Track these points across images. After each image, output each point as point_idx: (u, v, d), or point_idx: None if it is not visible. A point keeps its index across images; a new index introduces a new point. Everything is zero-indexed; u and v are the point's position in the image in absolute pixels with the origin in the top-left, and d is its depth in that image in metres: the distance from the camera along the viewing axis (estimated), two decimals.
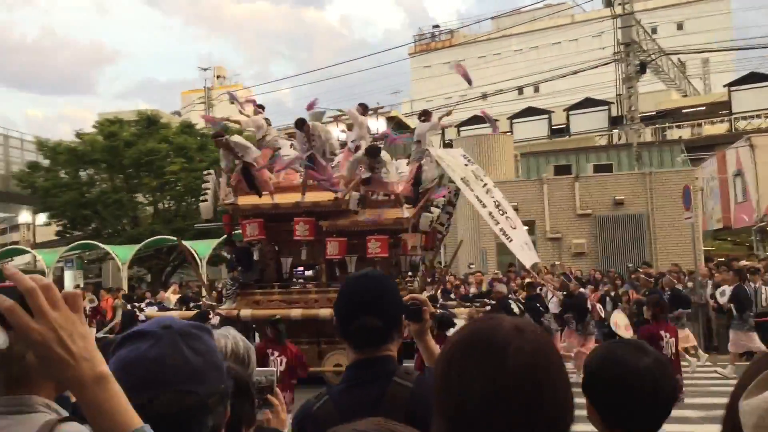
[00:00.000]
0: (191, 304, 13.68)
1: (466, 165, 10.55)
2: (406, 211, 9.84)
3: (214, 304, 11.52)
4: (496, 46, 55.68)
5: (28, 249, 28.69)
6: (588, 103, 41.08)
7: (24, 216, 32.23)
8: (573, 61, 38.39)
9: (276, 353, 7.29)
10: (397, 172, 10.69)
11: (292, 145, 11.50)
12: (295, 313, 9.34)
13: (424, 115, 11.44)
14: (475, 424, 1.00)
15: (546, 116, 42.14)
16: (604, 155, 31.02)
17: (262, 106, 12.93)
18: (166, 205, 30.33)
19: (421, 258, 11.63)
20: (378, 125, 21.76)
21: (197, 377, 1.24)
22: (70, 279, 29.08)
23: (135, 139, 28.52)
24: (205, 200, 11.17)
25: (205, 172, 12.40)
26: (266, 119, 11.99)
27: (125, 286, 23.24)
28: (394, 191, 10.10)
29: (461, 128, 40.33)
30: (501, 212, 10.36)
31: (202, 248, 24.27)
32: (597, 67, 33.31)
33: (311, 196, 10.33)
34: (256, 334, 9.91)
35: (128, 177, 29.31)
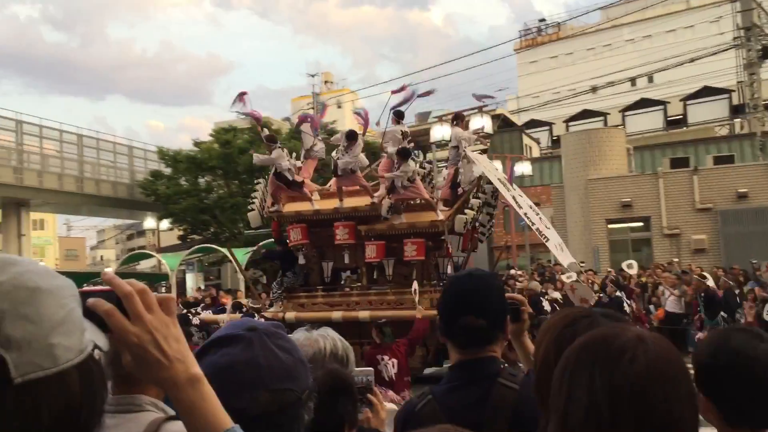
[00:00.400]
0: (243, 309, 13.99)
1: (497, 169, 10.64)
2: (441, 214, 9.89)
3: (258, 307, 11.78)
4: (606, 37, 53.86)
5: (153, 253, 30.28)
6: (706, 92, 39.02)
7: (149, 222, 34.06)
8: (689, 49, 36.55)
9: (386, 357, 7.34)
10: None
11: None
12: (336, 315, 9.41)
13: (457, 119, 11.49)
14: (587, 429, 0.99)
15: (661, 107, 40.36)
16: (725, 146, 29.39)
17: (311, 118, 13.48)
18: None
19: (464, 260, 11.56)
20: (483, 123, 21.52)
21: (290, 375, 1.27)
22: (191, 281, 30.54)
23: (248, 146, 29.57)
24: (252, 209, 11.53)
25: (255, 182, 12.84)
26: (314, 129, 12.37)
27: (242, 288, 24.12)
28: (422, 196, 10.19)
29: (570, 123, 39.28)
30: (535, 213, 10.30)
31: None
32: (715, 53, 31.56)
33: (350, 202, 10.54)
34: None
35: (243, 182, 30.40)
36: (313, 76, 50.79)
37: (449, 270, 10.45)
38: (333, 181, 11.12)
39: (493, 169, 10.31)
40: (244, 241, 28.73)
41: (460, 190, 10.62)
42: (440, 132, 22.20)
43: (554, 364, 1.44)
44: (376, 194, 10.57)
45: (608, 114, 41.06)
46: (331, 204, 10.74)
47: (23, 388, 0.72)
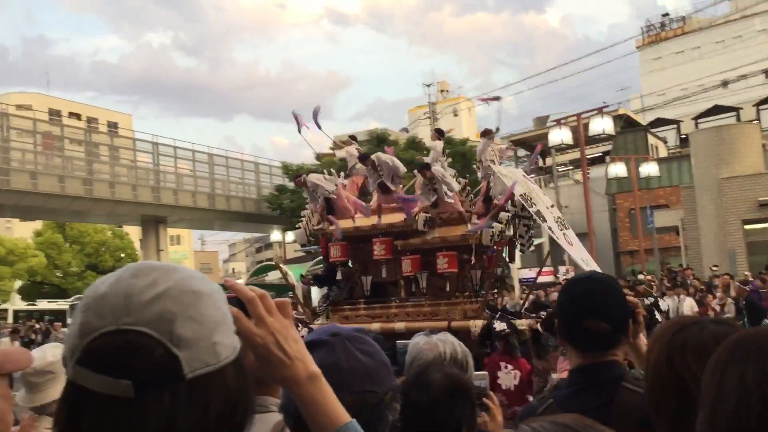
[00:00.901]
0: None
1: (526, 182, 10.76)
2: (470, 227, 10.11)
3: (305, 319, 12.21)
4: (735, 29, 50.85)
5: (281, 265, 31.36)
6: None
7: (275, 235, 35.37)
8: None
9: (510, 366, 7.27)
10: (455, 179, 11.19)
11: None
12: (375, 326, 9.55)
13: (485, 134, 11.68)
14: (735, 422, 0.98)
15: None
16: None
17: (354, 137, 13.38)
18: None
19: (503, 271, 11.28)
20: (604, 125, 20.86)
21: (372, 377, 1.32)
22: (315, 292, 31.40)
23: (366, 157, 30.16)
24: (299, 227, 12.04)
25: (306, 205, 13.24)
26: (357, 149, 12.30)
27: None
28: (458, 210, 10.44)
29: (699, 120, 37.34)
30: (559, 229, 10.39)
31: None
32: None
33: (387, 219, 10.94)
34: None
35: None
36: (428, 86, 51.08)
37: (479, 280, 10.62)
38: (374, 199, 11.59)
39: (520, 183, 10.35)
40: None
41: (494, 204, 10.69)
42: (559, 136, 21.73)
43: (666, 370, 1.42)
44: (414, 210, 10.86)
45: (741, 109, 38.69)
46: (371, 221, 11.20)
47: (193, 383, 0.78)
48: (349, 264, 11.62)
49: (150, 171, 32.36)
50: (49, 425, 2.56)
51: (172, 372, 0.77)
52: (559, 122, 22.83)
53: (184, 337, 0.78)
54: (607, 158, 35.37)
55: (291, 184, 33.41)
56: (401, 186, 11.37)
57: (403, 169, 11.38)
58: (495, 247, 11.78)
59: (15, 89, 59.37)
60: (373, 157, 11.21)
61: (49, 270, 44.62)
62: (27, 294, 45.70)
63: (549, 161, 39.10)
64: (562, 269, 27.77)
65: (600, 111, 21.46)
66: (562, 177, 38.36)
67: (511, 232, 10.88)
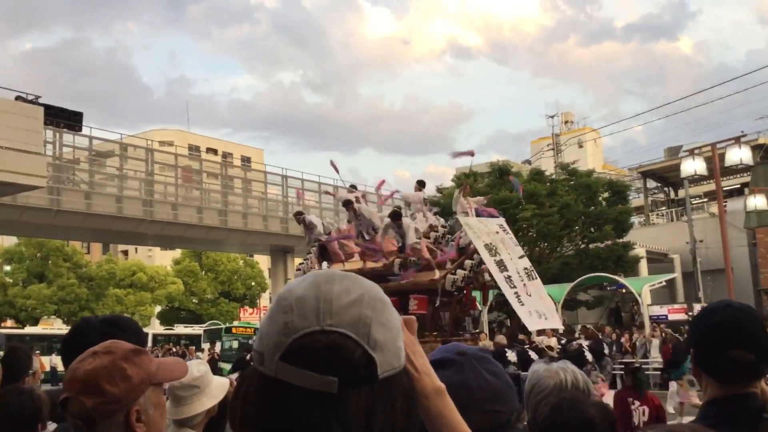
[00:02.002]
0: None
1: (497, 233, 11.75)
2: (438, 273, 11.18)
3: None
4: None
5: None
6: None
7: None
8: None
9: (637, 402, 7.04)
10: (426, 222, 12.43)
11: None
12: None
13: (461, 187, 13.11)
14: None
15: None
16: None
17: (354, 186, 15.36)
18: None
19: (478, 313, 11.50)
20: (741, 155, 19.76)
21: (499, 397, 1.34)
22: None
23: (488, 190, 29.99)
24: (299, 270, 13.47)
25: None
26: (356, 198, 13.39)
27: (486, 330, 24.33)
28: (425, 257, 11.45)
29: None
30: (520, 279, 11.14)
31: (556, 293, 24.42)
32: None
33: (371, 263, 12.20)
34: None
35: None
36: (552, 117, 50.39)
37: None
38: (357, 247, 12.82)
39: (487, 233, 11.46)
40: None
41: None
42: (692, 166, 20.81)
43: None
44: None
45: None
46: (356, 265, 12.49)
47: (383, 383, 0.86)
48: None
49: (279, 203, 33.72)
50: None
51: (369, 372, 0.84)
52: (692, 152, 21.84)
53: (378, 340, 0.86)
54: (746, 190, 33.35)
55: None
56: (376, 235, 12.43)
57: (378, 223, 12.33)
58: (464, 292, 11.95)
59: (158, 126, 63.75)
60: (355, 206, 12.42)
61: (186, 296, 47.15)
62: (165, 319, 48.49)
63: (681, 193, 37.34)
64: (696, 306, 26.31)
65: (737, 140, 20.36)
66: (696, 210, 36.49)
67: (486, 278, 11.76)
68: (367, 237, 12.41)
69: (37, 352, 23.53)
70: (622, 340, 20.10)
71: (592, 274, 25.67)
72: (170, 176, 30.16)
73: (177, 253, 48.38)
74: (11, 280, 42.13)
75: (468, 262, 11.61)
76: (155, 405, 1.57)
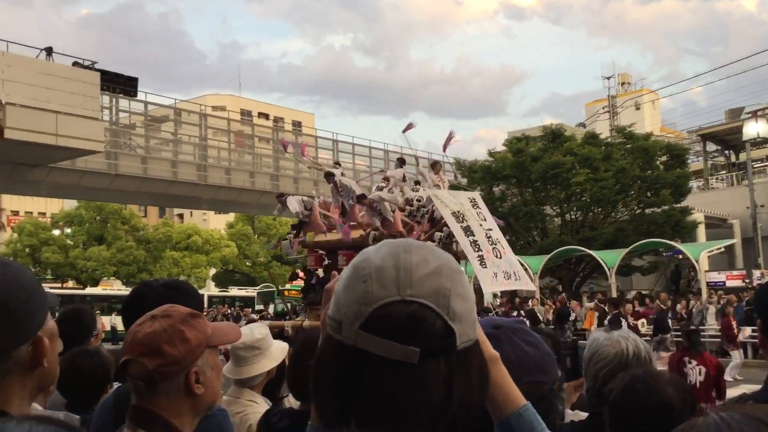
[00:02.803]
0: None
1: (469, 203, 12.41)
2: None
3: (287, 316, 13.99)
4: None
5: None
6: None
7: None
8: None
9: (694, 362, 6.95)
10: (403, 196, 13.20)
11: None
12: None
13: (432, 167, 14.21)
14: None
15: None
16: None
17: (338, 163, 16.01)
18: (573, 216, 30.75)
19: None
20: (759, 128, 19.05)
21: (540, 368, 1.32)
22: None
23: (541, 154, 29.55)
24: (285, 239, 14.46)
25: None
26: (343, 173, 14.26)
27: (537, 296, 24.20)
28: (398, 230, 12.31)
29: None
30: (490, 242, 11.76)
31: (610, 258, 24.06)
32: None
33: (352, 234, 13.00)
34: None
35: (536, 190, 30.45)
36: (608, 78, 49.18)
37: None
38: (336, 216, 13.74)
39: (455, 203, 12.20)
40: (538, 248, 28.78)
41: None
42: (754, 129, 20.09)
43: None
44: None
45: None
46: (338, 236, 13.47)
47: (461, 354, 0.87)
48: (321, 271, 13.85)
49: (330, 167, 33.89)
50: (251, 397, 2.83)
51: (449, 343, 0.85)
52: (755, 114, 21.14)
53: (457, 311, 0.86)
54: None
55: (464, 181, 33.63)
56: (356, 205, 13.33)
57: (358, 191, 13.20)
58: None
59: (211, 91, 64.49)
60: (336, 178, 13.29)
61: (239, 259, 48.11)
62: (220, 281, 49.63)
63: (742, 156, 36.16)
64: (756, 273, 25.63)
65: (755, 114, 19.56)
66: (757, 173, 35.31)
67: (458, 249, 12.18)
68: (347, 208, 13.33)
69: (98, 312, 24.39)
70: (678, 307, 19.73)
71: (648, 240, 25.20)
72: (223, 141, 30.56)
73: (230, 216, 49.24)
74: (72, 243, 43.57)
75: (438, 234, 12.38)
76: (212, 367, 1.60)
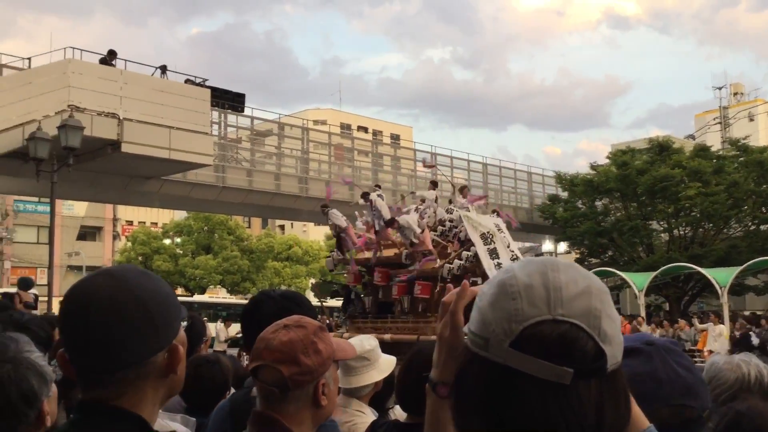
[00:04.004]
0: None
1: (495, 227, 13.01)
2: (439, 262, 12.70)
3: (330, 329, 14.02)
4: None
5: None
6: None
7: (546, 245, 34.99)
8: None
9: None
10: (436, 217, 14.12)
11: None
12: (386, 336, 11.79)
13: (462, 191, 15.06)
14: None
15: None
16: None
17: (378, 185, 16.62)
18: (682, 232, 29.49)
19: None
20: None
21: (690, 391, 1.27)
22: None
23: (647, 167, 28.56)
24: (329, 257, 15.42)
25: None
26: (379, 195, 14.60)
27: (643, 313, 23.32)
28: (428, 248, 12.98)
29: None
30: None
31: (722, 276, 22.90)
32: None
33: (387, 253, 13.89)
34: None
35: (642, 204, 29.44)
36: (719, 88, 47.06)
37: None
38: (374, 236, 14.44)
39: (485, 227, 12.89)
40: (643, 265, 27.74)
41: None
42: None
43: None
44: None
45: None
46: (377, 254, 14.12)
47: (610, 376, 0.86)
48: (359, 287, 14.52)
49: (428, 180, 33.93)
50: (359, 407, 2.87)
51: (600, 365, 0.83)
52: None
53: (607, 333, 0.85)
54: None
55: (564, 194, 32.90)
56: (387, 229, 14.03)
57: (387, 216, 13.83)
58: (461, 280, 11.92)
59: (312, 106, 66.03)
60: (371, 197, 14.02)
61: (345, 270, 48.77)
62: (319, 291, 50.52)
63: None
64: None
65: None
66: None
67: (488, 265, 12.59)
68: (377, 228, 14.12)
69: (205, 318, 25.32)
70: None
71: (763, 258, 23.82)
72: (324, 154, 31.18)
73: (328, 228, 50.03)
74: (181, 252, 45.50)
75: (465, 254, 12.91)
76: (334, 380, 1.65)
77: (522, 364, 0.82)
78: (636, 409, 1.04)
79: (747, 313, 24.68)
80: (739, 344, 14.91)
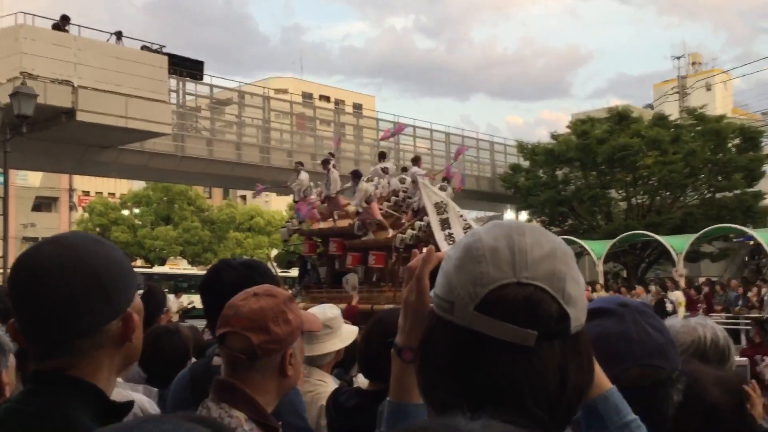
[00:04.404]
0: None
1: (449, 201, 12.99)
2: (391, 232, 12.83)
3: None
4: None
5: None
6: None
7: (508, 214, 35.34)
8: None
9: (767, 359, 6.68)
10: (389, 188, 14.25)
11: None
12: (341, 306, 11.67)
13: (415, 161, 15.08)
14: None
15: None
16: None
17: (300, 163, 16.98)
18: (640, 200, 30.03)
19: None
20: None
21: (662, 353, 1.29)
22: None
23: (607, 136, 28.91)
24: (284, 227, 15.73)
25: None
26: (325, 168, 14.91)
27: (601, 280, 23.78)
28: (376, 218, 13.14)
29: None
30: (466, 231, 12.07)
31: (678, 244, 23.42)
32: None
33: (341, 223, 13.91)
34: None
35: (601, 173, 29.84)
36: (678, 58, 47.77)
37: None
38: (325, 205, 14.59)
39: (435, 196, 12.94)
40: (602, 233, 28.22)
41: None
42: None
43: None
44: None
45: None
46: (329, 224, 14.27)
47: (573, 338, 0.86)
48: (314, 257, 14.70)
49: (391, 150, 33.88)
50: (320, 377, 2.86)
51: (564, 327, 0.84)
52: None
53: (572, 296, 0.85)
54: None
55: (525, 163, 33.16)
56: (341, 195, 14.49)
57: (337, 188, 14.30)
58: (413, 250, 12.29)
59: (273, 74, 65.16)
60: (330, 166, 14.36)
61: (300, 240, 48.71)
62: (281, 261, 50.39)
63: None
64: None
65: None
66: None
67: (439, 236, 12.76)
68: (327, 195, 14.43)
69: (166, 290, 25.09)
70: (750, 294, 19.08)
71: (719, 225, 24.42)
72: (285, 123, 30.86)
73: (291, 198, 49.77)
74: (140, 223, 44.87)
75: (418, 224, 13.04)
76: (300, 351, 1.65)
77: (486, 327, 0.82)
78: (599, 371, 1.04)
79: (702, 279, 25.35)
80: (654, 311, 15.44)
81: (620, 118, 30.23)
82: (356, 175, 13.91)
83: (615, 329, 1.30)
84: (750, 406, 2.07)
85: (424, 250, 1.04)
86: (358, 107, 52.98)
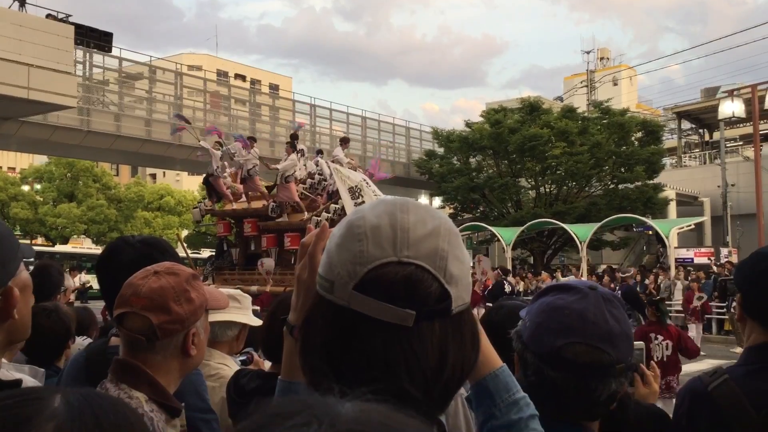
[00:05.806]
0: None
1: (363, 182, 13.18)
2: (306, 214, 12.95)
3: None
4: None
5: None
6: None
7: (422, 199, 35.79)
8: None
9: (660, 337, 7.02)
10: (305, 170, 14.31)
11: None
12: (253, 288, 11.95)
13: (343, 142, 15.41)
14: None
15: None
16: None
17: (220, 143, 15.80)
18: (548, 189, 30.96)
19: None
20: (734, 107, 19.34)
21: (611, 340, 1.30)
22: None
23: (518, 126, 29.60)
24: (196, 207, 15.12)
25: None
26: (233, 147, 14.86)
27: (509, 266, 24.42)
28: (293, 199, 13.28)
29: None
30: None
31: (582, 232, 24.32)
32: None
33: (255, 204, 13.88)
34: None
35: (512, 162, 30.56)
36: (588, 53, 49.23)
37: None
38: (240, 186, 14.59)
39: (349, 180, 13.08)
40: (511, 220, 28.96)
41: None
42: (730, 108, 20.25)
43: None
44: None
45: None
46: (244, 205, 14.20)
47: (455, 318, 0.84)
48: (231, 237, 14.56)
49: (307, 132, 33.61)
50: (221, 359, 2.78)
51: (444, 307, 0.82)
52: (731, 93, 21.30)
53: (454, 274, 0.83)
54: None
55: (440, 150, 33.60)
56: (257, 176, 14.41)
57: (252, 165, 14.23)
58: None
59: (187, 50, 63.41)
60: (233, 150, 14.34)
61: (212, 221, 47.76)
62: (192, 243, 49.30)
63: (716, 135, 36.59)
64: (724, 251, 26.10)
65: (731, 94, 19.73)
66: (730, 153, 35.75)
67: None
68: (243, 177, 14.33)
69: (67, 270, 24.15)
70: (647, 281, 20.09)
71: (620, 215, 25.51)
72: (198, 101, 30.10)
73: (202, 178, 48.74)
74: (42, 199, 42.90)
75: (333, 206, 13.17)
76: (205, 329, 1.61)
77: (365, 306, 0.80)
78: (489, 350, 1.06)
79: (603, 266, 26.44)
80: (492, 293, 16.35)
81: (531, 108, 31.00)
82: (293, 146, 14.00)
83: (575, 305, 1.33)
84: (647, 386, 2.16)
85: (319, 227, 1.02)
86: (274, 88, 52.22)
